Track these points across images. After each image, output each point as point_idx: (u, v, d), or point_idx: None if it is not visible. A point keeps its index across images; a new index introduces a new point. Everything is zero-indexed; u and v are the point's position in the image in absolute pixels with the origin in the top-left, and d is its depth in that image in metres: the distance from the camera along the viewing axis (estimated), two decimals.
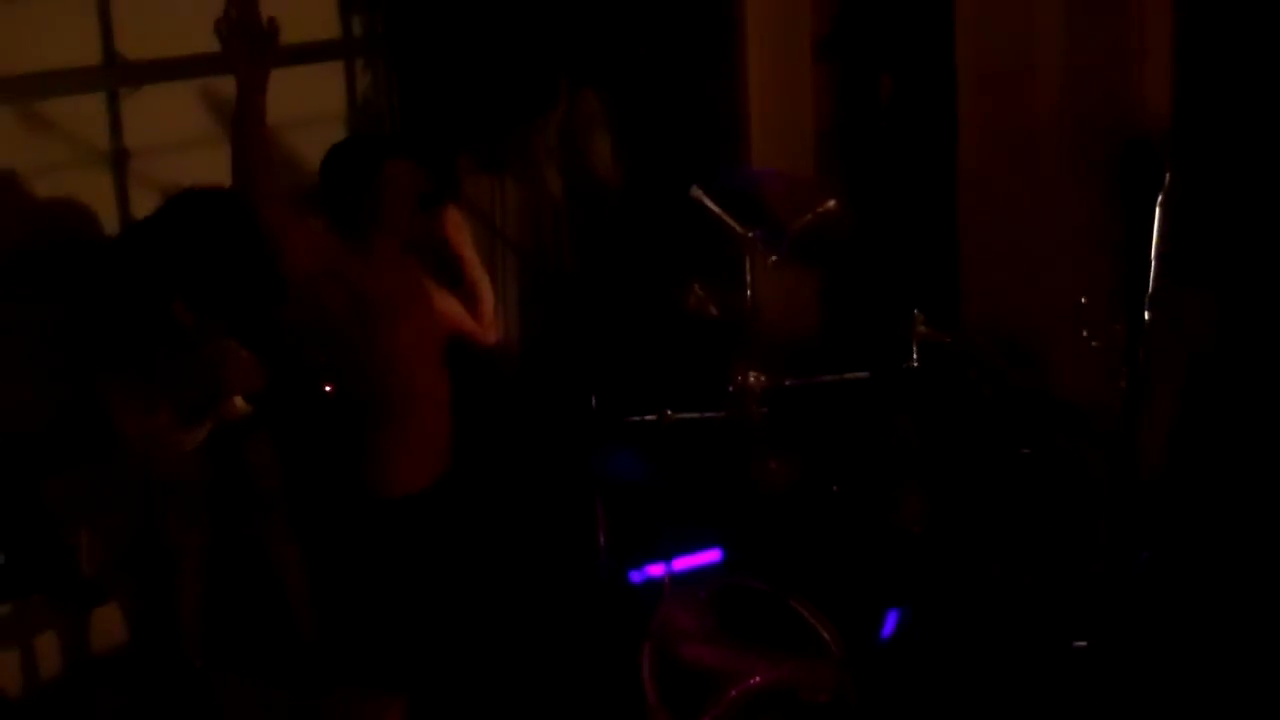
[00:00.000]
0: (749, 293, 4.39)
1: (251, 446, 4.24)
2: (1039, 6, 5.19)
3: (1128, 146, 3.07)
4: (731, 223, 4.37)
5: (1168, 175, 2.92)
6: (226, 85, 5.04)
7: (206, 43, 5.00)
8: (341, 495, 3.42)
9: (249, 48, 3.59)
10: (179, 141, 4.88)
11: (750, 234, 4.37)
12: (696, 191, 4.40)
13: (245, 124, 3.62)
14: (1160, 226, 2.89)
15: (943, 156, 5.37)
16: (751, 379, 4.34)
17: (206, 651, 4.60)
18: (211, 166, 4.85)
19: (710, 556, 4.50)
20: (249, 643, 4.61)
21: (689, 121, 5.58)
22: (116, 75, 4.71)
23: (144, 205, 4.78)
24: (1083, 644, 3.17)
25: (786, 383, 4.49)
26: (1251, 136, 4.64)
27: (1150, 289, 2.89)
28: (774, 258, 4.40)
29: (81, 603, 4.78)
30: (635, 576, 4.47)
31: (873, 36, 5.64)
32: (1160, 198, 2.89)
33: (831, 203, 4.42)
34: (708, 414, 4.31)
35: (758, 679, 3.94)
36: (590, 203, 5.26)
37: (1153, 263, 2.88)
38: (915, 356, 4.37)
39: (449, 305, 4.10)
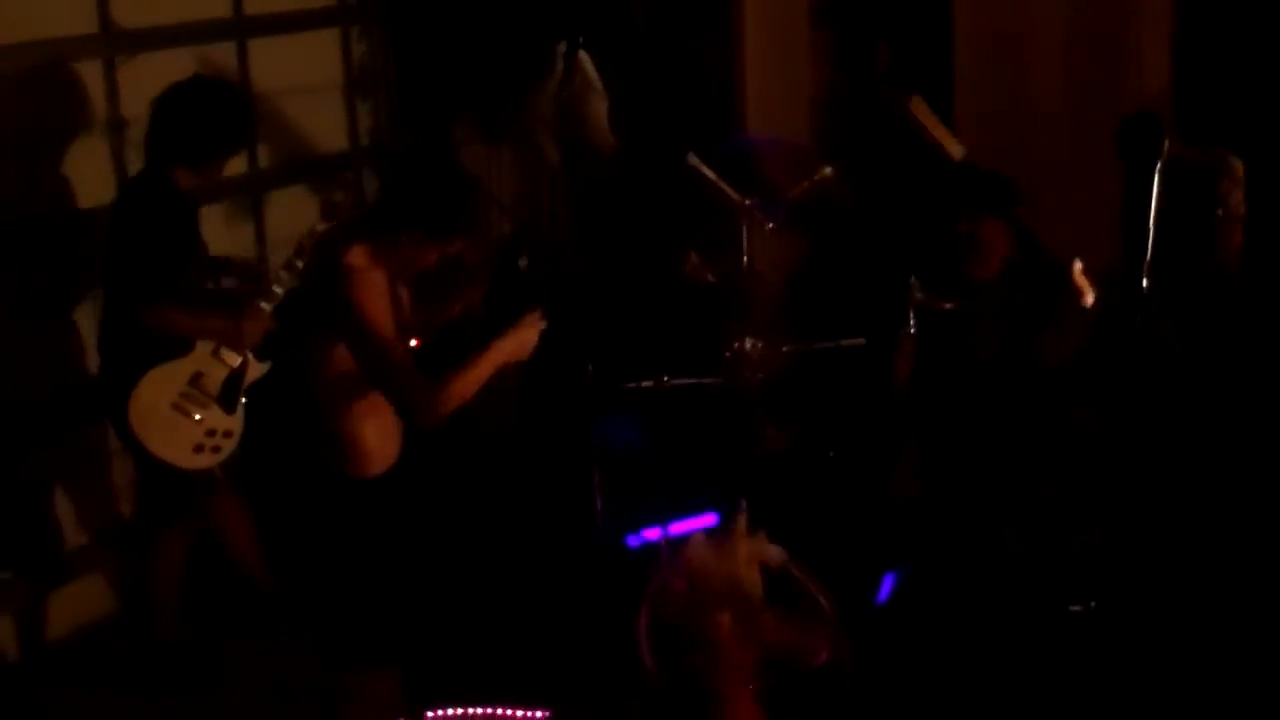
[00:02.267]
0: (746, 259, 4.40)
1: None
2: None
3: (1127, 115, 3.07)
4: (728, 190, 4.37)
5: (1166, 143, 2.92)
6: (221, 52, 5.06)
7: (202, 10, 5.03)
8: (324, 476, 3.43)
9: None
10: None
11: (747, 201, 4.37)
12: (693, 159, 4.40)
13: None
14: (1159, 195, 2.90)
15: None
16: (748, 345, 4.35)
17: (201, 621, 4.62)
18: None
19: (707, 521, 4.52)
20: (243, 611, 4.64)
21: (686, 88, 5.57)
22: (113, 43, 4.70)
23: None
24: (1079, 608, 3.18)
25: (783, 349, 4.50)
26: (1251, 105, 4.64)
27: (1148, 256, 2.90)
28: (771, 225, 4.40)
29: (47, 578, 4.78)
30: (632, 541, 4.49)
31: (870, 3, 5.62)
32: (1159, 166, 2.89)
33: (828, 170, 4.42)
34: (705, 380, 4.32)
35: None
36: (587, 169, 5.26)
37: (1150, 231, 2.88)
38: (912, 323, 4.37)
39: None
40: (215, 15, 5.07)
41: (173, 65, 4.86)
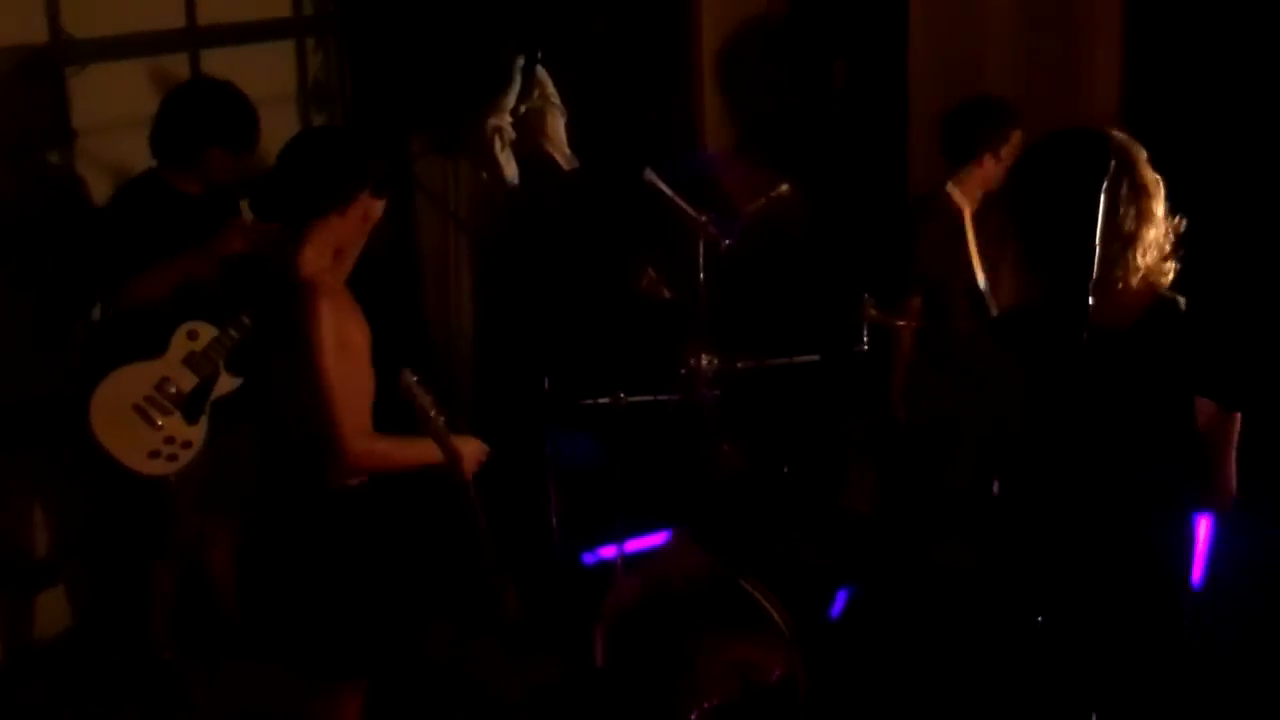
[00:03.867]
0: (702, 276, 4.40)
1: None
2: None
3: (1075, 135, 3.09)
4: (684, 206, 4.38)
5: (1113, 164, 2.95)
6: (175, 63, 5.03)
7: (155, 20, 4.99)
8: (299, 487, 3.40)
9: None
10: (127, 120, 4.84)
11: (703, 217, 4.37)
12: (650, 175, 4.40)
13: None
14: (1105, 214, 2.92)
15: (894, 142, 5.40)
16: (704, 362, 4.35)
17: (177, 639, 4.57)
18: None
19: (662, 538, 4.52)
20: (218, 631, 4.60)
21: (643, 105, 5.58)
22: (64, 53, 4.66)
23: (92, 183, 4.75)
24: (1039, 620, 3.20)
25: (738, 365, 4.51)
26: (1198, 125, 4.70)
27: (1094, 275, 2.93)
28: (727, 241, 4.41)
29: (26, 586, 4.74)
30: (588, 558, 4.49)
31: (827, 22, 5.65)
32: (1105, 186, 2.92)
33: (784, 187, 4.43)
34: (660, 397, 4.32)
35: (709, 659, 3.97)
36: (545, 184, 5.26)
37: (1096, 249, 2.91)
38: (865, 340, 4.39)
39: None
40: (169, 25, 5.03)
41: (125, 76, 4.83)
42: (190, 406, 4.21)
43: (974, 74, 5.19)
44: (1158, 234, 3.03)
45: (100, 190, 4.75)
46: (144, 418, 4.17)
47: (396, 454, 3.37)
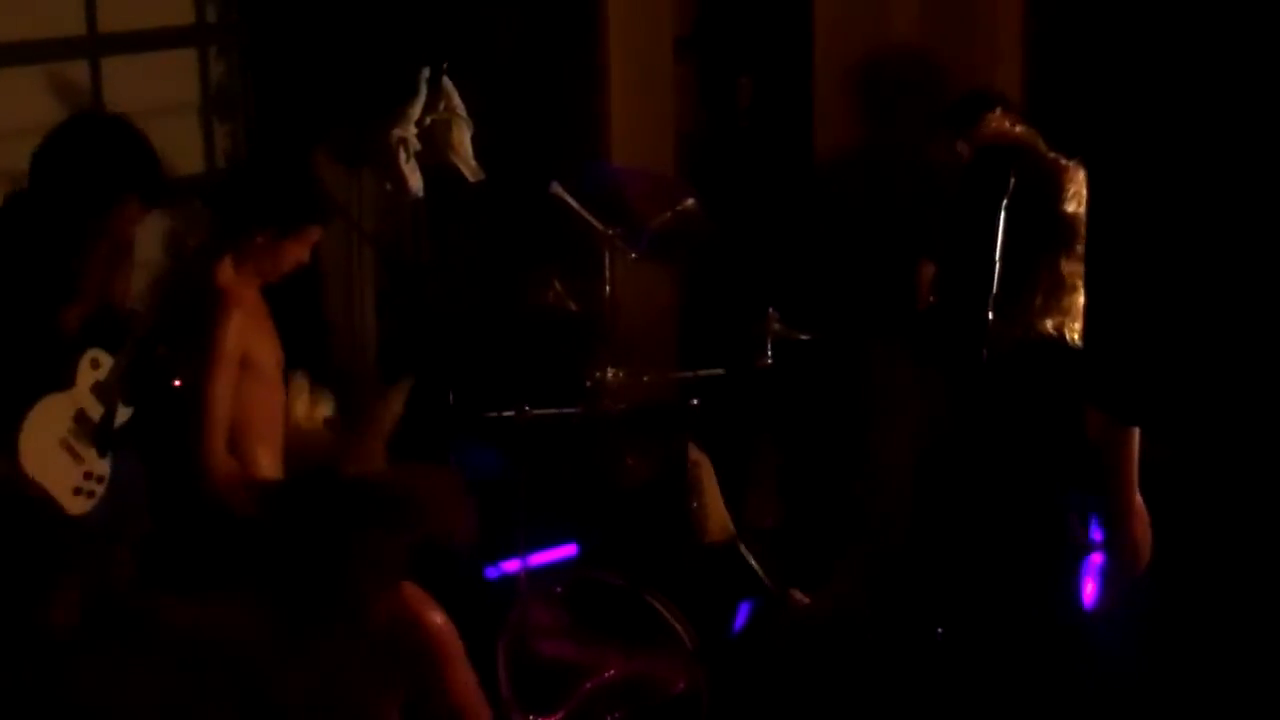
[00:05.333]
0: (608, 289, 4.41)
1: None
2: (896, 13, 5.30)
3: (977, 151, 3.14)
4: (591, 219, 4.39)
5: (1013, 180, 2.99)
6: (74, 70, 4.95)
7: (54, 27, 4.91)
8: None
9: None
10: (25, 128, 4.76)
11: (610, 231, 4.39)
12: (557, 188, 4.40)
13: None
14: (1005, 230, 2.96)
15: (800, 157, 5.45)
16: (609, 375, 4.36)
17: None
18: None
19: (566, 552, 4.52)
20: None
21: (550, 117, 5.58)
22: None
23: None
24: (940, 632, 3.23)
25: (643, 379, 4.52)
26: (1098, 140, 4.78)
27: (993, 291, 2.96)
28: (633, 255, 4.43)
29: None
30: (491, 572, 4.47)
31: (732, 37, 5.70)
32: (1005, 202, 2.96)
33: (690, 201, 4.45)
34: (565, 410, 4.32)
35: (611, 673, 3.97)
36: (450, 196, 5.24)
37: (996, 265, 2.94)
38: (769, 354, 4.42)
39: None
40: (68, 33, 4.96)
41: (23, 83, 4.75)
42: (100, 438, 4.11)
43: (879, 90, 5.26)
44: (1069, 271, 3.02)
45: None
46: (70, 453, 4.04)
47: (250, 498, 3.23)
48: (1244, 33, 2.20)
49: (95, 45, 5.01)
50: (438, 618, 3.41)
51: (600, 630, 3.98)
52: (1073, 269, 2.98)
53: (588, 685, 3.96)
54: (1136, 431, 3.05)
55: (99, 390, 4.09)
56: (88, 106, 4.96)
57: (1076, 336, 3.00)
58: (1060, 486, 3.08)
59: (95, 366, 4.13)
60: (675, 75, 5.69)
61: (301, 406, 3.26)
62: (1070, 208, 2.99)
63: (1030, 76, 5.15)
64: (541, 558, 4.36)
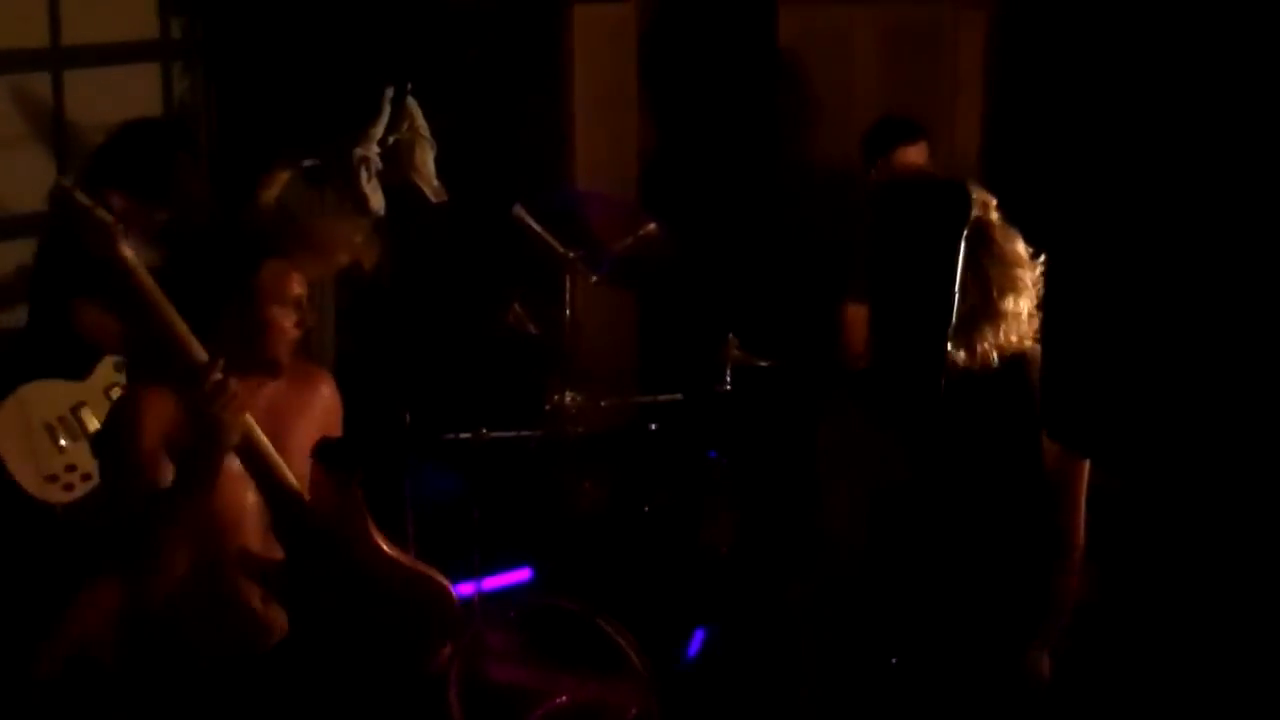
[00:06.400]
0: (568, 312, 4.42)
1: None
2: (859, 45, 5.34)
3: (937, 186, 3.15)
4: (553, 242, 4.39)
5: (973, 214, 3.02)
6: (36, 82, 4.93)
7: (17, 38, 4.88)
8: None
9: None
10: None
11: (572, 254, 4.39)
12: (519, 210, 4.41)
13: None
14: (963, 264, 2.98)
15: (763, 183, 5.47)
16: (568, 398, 4.36)
17: None
18: (19, 164, 4.74)
19: (520, 576, 4.51)
20: None
21: (513, 140, 5.59)
22: None
23: None
24: (894, 661, 3.25)
25: (602, 403, 4.52)
26: (1057, 179, 4.82)
27: (951, 324, 2.98)
28: (595, 278, 4.43)
29: None
30: None
31: (696, 62, 5.72)
32: (965, 235, 2.98)
33: (652, 226, 4.47)
34: (523, 433, 4.32)
35: (564, 698, 3.96)
36: (411, 216, 5.23)
37: (955, 297, 2.96)
38: (728, 380, 4.44)
39: None
40: (31, 44, 4.94)
41: None
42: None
43: (843, 115, 5.29)
44: (1026, 304, 3.05)
45: None
46: (51, 438, 4.00)
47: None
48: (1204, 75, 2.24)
49: (58, 57, 5.00)
50: None
51: (553, 655, 3.97)
52: (1001, 282, 3.03)
53: (539, 711, 3.95)
54: (1087, 465, 3.08)
55: (113, 391, 4.07)
56: (49, 119, 4.95)
57: (1028, 345, 3.04)
58: (1019, 516, 3.11)
59: (119, 370, 4.10)
60: (639, 98, 5.72)
61: None
62: (1008, 242, 3.04)
63: (990, 117, 5.20)
64: (496, 581, 4.35)
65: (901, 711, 3.24)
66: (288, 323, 2.91)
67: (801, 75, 5.40)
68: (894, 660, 3.19)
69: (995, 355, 3.01)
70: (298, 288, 2.94)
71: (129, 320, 2.82)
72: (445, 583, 2.99)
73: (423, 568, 3.01)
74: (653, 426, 4.57)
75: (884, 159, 4.69)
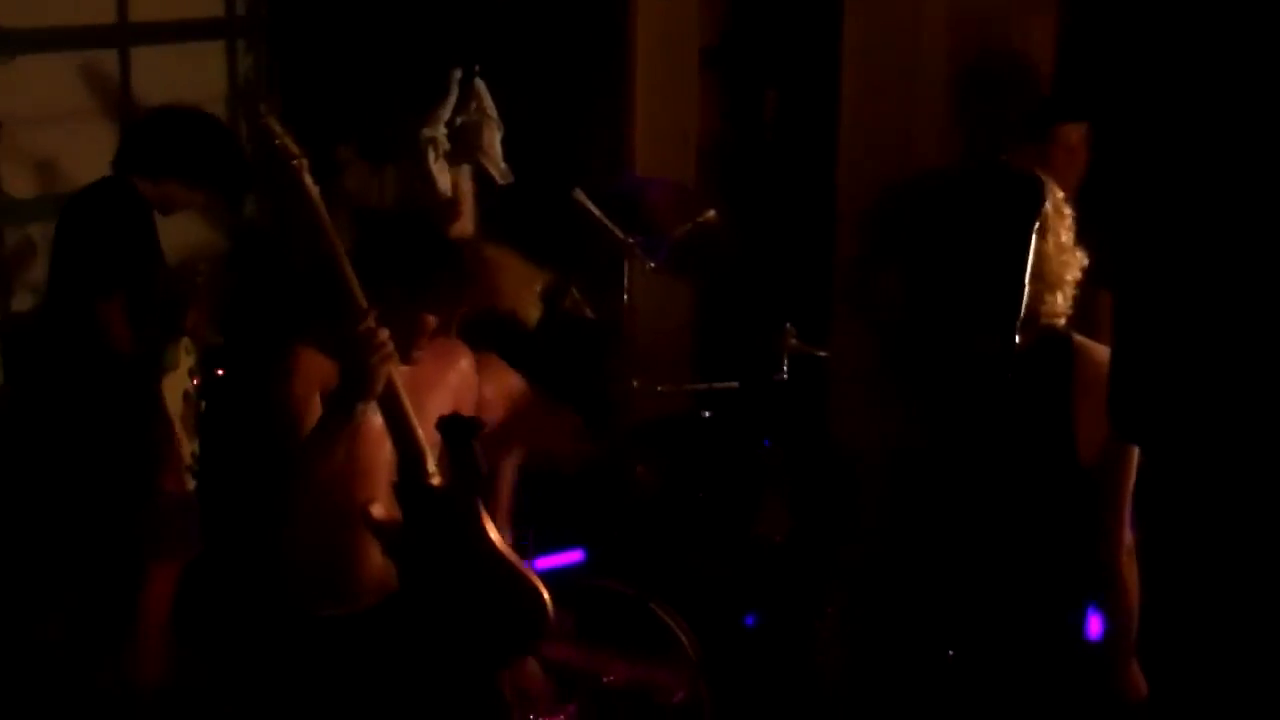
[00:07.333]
0: (626, 297, 4.41)
1: None
2: (926, 29, 5.28)
3: (1007, 172, 3.13)
4: (612, 227, 4.39)
5: (1045, 204, 2.99)
6: (103, 58, 4.98)
7: (86, 15, 4.93)
8: None
9: None
10: (53, 113, 4.79)
11: (630, 239, 4.39)
12: (579, 194, 4.41)
13: None
14: (1035, 254, 2.96)
15: (823, 173, 5.44)
16: (624, 384, 4.36)
17: None
18: (86, 140, 4.78)
19: (573, 557, 4.51)
20: None
21: (575, 124, 5.59)
22: None
23: (15, 176, 4.68)
24: (951, 653, 3.23)
25: (659, 389, 4.52)
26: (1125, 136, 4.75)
27: (1021, 315, 2.96)
28: (652, 264, 4.42)
29: None
30: None
31: (759, 51, 5.69)
32: (1036, 226, 2.96)
33: (711, 213, 4.45)
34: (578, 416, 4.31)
35: (613, 679, 3.97)
36: (476, 198, 5.25)
37: (1025, 288, 2.94)
38: (785, 369, 4.42)
39: None
40: (99, 21, 4.98)
41: (53, 69, 4.78)
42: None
43: (905, 105, 5.25)
44: (1073, 274, 3.07)
45: (22, 183, 4.68)
46: (183, 427, 4.08)
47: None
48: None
49: (126, 34, 5.04)
50: None
51: (603, 637, 3.97)
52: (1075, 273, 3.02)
53: (588, 690, 3.95)
54: (1136, 455, 3.04)
55: (193, 374, 4.11)
56: (116, 95, 5.00)
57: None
58: (1059, 505, 3.08)
59: (189, 352, 4.14)
60: (701, 85, 5.70)
61: None
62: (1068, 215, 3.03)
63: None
64: (548, 562, 4.35)
65: (955, 705, 3.22)
66: (431, 327, 3.06)
67: (866, 60, 5.35)
68: (950, 653, 3.17)
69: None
70: (458, 307, 3.15)
71: (307, 254, 2.95)
72: (545, 594, 3.00)
73: (527, 572, 3.03)
74: (706, 414, 4.56)
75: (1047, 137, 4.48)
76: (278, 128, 2.85)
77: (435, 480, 2.94)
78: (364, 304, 2.84)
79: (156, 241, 4.13)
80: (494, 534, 2.99)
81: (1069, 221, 3.07)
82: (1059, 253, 3.04)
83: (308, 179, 2.84)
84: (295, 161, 2.82)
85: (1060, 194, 3.07)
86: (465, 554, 2.97)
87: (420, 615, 3.02)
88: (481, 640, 3.04)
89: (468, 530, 2.96)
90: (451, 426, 2.92)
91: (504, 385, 3.56)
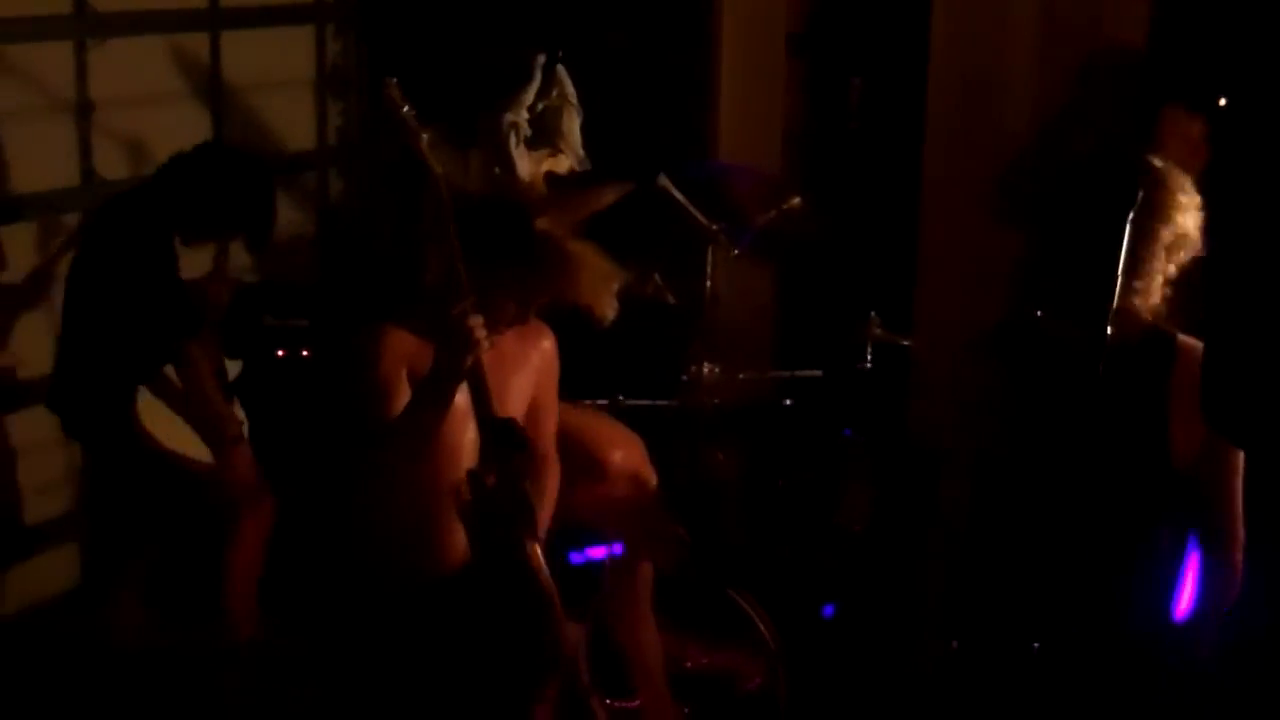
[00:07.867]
0: (708, 284, 4.40)
1: None
2: (1014, 21, 5.22)
3: (1106, 161, 3.08)
4: (696, 214, 4.37)
5: (1140, 194, 2.93)
6: (194, 42, 5.04)
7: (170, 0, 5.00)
8: None
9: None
10: (144, 96, 4.85)
11: (714, 226, 4.37)
12: (663, 180, 4.39)
13: None
14: (1128, 245, 2.91)
15: (908, 161, 5.39)
16: (705, 370, 4.35)
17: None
18: (176, 123, 4.84)
19: None
20: None
21: (659, 110, 5.57)
22: (85, 25, 4.67)
23: (106, 157, 4.75)
24: (1037, 645, 3.20)
25: (740, 376, 4.50)
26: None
27: (1114, 306, 2.91)
28: (735, 251, 4.41)
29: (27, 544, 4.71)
30: (576, 558, 4.47)
31: (846, 37, 5.65)
32: (1131, 216, 2.90)
33: (796, 200, 4.43)
34: (659, 402, 4.31)
35: (689, 664, 3.97)
36: (556, 184, 5.25)
37: (1118, 280, 2.89)
38: (869, 358, 4.39)
39: None
40: (191, 5, 5.04)
41: (144, 52, 4.84)
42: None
43: (993, 96, 5.18)
44: (1178, 265, 2.98)
45: (114, 165, 4.75)
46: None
47: None
48: None
49: (216, 18, 5.10)
50: None
51: (681, 622, 3.97)
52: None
53: (665, 674, 3.95)
54: (1242, 460, 2.96)
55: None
56: (206, 79, 5.05)
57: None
58: (1150, 497, 3.02)
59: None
60: (786, 72, 5.66)
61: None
62: (1183, 204, 2.95)
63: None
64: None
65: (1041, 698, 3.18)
66: (512, 313, 3.12)
67: (955, 49, 5.29)
68: (1035, 645, 3.13)
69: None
70: (538, 298, 3.16)
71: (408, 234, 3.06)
72: (565, 623, 3.04)
73: (555, 597, 3.07)
74: (788, 402, 4.54)
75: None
76: (398, 97, 2.89)
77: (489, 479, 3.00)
78: (467, 285, 2.87)
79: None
80: (532, 547, 3.03)
81: (1195, 212, 2.97)
82: (1175, 245, 2.95)
83: (425, 146, 2.89)
84: (423, 136, 2.89)
85: (1183, 179, 2.98)
86: (499, 555, 3.05)
87: (488, 591, 3.08)
88: (501, 654, 3.12)
89: (514, 532, 3.04)
90: (495, 430, 2.97)
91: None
